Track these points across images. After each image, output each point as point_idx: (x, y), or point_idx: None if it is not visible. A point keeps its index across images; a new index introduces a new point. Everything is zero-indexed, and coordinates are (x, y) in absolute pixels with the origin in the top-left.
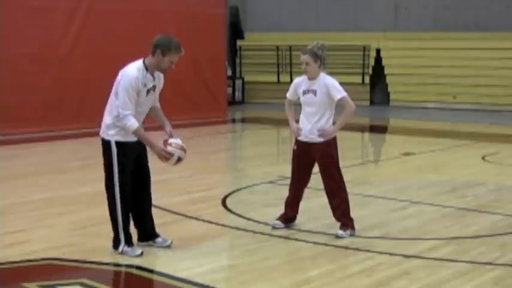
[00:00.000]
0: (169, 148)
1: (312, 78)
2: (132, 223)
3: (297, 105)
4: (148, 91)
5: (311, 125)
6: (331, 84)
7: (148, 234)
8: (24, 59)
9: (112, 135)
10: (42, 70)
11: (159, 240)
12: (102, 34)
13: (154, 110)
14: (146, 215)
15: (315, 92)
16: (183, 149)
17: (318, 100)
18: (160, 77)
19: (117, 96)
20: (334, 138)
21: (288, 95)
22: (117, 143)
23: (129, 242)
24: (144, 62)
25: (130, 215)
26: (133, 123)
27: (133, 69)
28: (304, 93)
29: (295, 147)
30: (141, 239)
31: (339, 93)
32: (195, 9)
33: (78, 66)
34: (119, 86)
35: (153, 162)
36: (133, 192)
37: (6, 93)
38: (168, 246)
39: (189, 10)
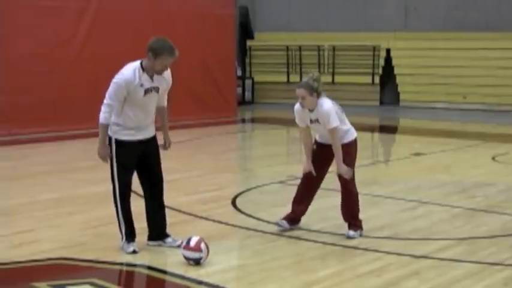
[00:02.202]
0: (202, 245)
1: (311, 109)
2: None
3: None
4: (146, 91)
5: (328, 137)
6: (326, 116)
7: (157, 233)
8: (34, 59)
9: (113, 132)
10: (52, 70)
11: (168, 240)
12: (112, 34)
13: (160, 111)
14: (157, 214)
15: (318, 121)
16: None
17: (324, 127)
18: (162, 79)
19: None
20: (355, 140)
21: (298, 122)
22: (117, 141)
23: (128, 238)
24: (141, 63)
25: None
26: (105, 117)
27: (129, 69)
28: (311, 122)
29: (314, 147)
30: (151, 238)
31: (330, 124)
32: (205, 10)
33: (87, 66)
34: (112, 80)
35: (165, 162)
36: (145, 191)
37: (15, 93)
38: (178, 247)
39: (199, 10)
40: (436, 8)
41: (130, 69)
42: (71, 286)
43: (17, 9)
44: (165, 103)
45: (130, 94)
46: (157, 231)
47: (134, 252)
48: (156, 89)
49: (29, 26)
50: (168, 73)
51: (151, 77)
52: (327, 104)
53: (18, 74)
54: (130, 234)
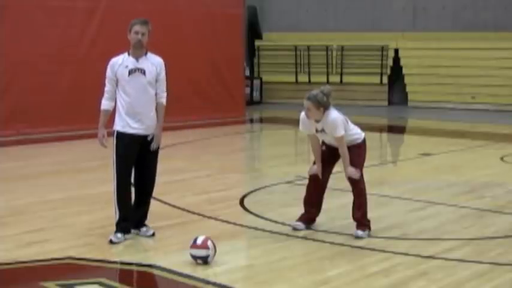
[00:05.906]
0: (209, 242)
1: (317, 120)
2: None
3: None
4: (130, 72)
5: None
6: (332, 126)
7: (136, 223)
8: (43, 59)
9: (115, 125)
10: (61, 70)
11: (143, 229)
12: (120, 34)
13: (157, 107)
14: (141, 207)
15: (324, 130)
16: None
17: (331, 136)
18: (148, 62)
19: None
20: (364, 141)
21: (301, 129)
22: (117, 133)
23: (117, 227)
24: (129, 50)
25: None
26: (103, 102)
27: (117, 56)
28: (317, 131)
29: (324, 148)
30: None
31: (337, 133)
32: (214, 10)
33: (96, 66)
34: None
35: (173, 162)
36: (135, 184)
37: (24, 93)
38: (152, 235)
39: (208, 10)
40: (445, 8)
41: (118, 56)
42: (79, 286)
43: (26, 9)
44: (163, 100)
45: (118, 77)
46: (137, 222)
47: (111, 242)
48: (142, 71)
49: (38, 26)
50: (157, 60)
51: (137, 59)
52: (334, 114)
53: (27, 74)
54: (121, 226)
